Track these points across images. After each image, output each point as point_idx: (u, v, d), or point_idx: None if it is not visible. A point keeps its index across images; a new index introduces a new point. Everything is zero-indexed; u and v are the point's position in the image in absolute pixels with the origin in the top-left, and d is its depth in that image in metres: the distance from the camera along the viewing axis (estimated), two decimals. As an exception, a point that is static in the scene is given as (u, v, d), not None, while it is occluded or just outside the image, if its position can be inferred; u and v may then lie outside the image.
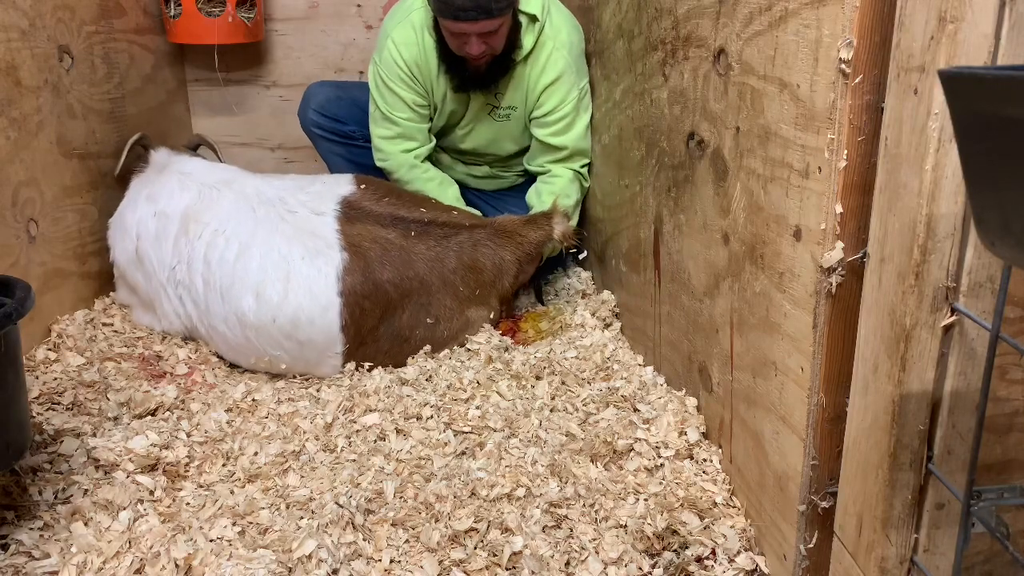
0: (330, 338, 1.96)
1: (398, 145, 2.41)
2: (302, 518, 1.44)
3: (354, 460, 1.62)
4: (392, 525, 1.42)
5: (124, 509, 1.47)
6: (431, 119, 2.44)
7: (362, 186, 2.17)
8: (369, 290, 1.97)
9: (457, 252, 2.07)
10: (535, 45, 2.27)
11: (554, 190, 2.35)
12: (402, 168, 2.42)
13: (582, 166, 2.38)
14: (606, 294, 2.25)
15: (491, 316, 2.14)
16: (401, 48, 2.30)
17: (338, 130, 2.57)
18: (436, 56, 2.28)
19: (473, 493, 1.49)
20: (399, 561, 1.35)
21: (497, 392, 1.82)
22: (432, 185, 2.42)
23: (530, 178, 2.57)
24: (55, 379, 1.88)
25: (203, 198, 2.14)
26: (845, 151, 1.05)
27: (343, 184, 2.18)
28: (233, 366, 2.10)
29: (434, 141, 2.48)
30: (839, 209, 1.07)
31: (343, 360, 2.00)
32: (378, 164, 2.45)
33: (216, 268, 2.02)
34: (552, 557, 1.34)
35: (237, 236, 2.03)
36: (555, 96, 2.29)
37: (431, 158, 2.51)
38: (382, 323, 2.00)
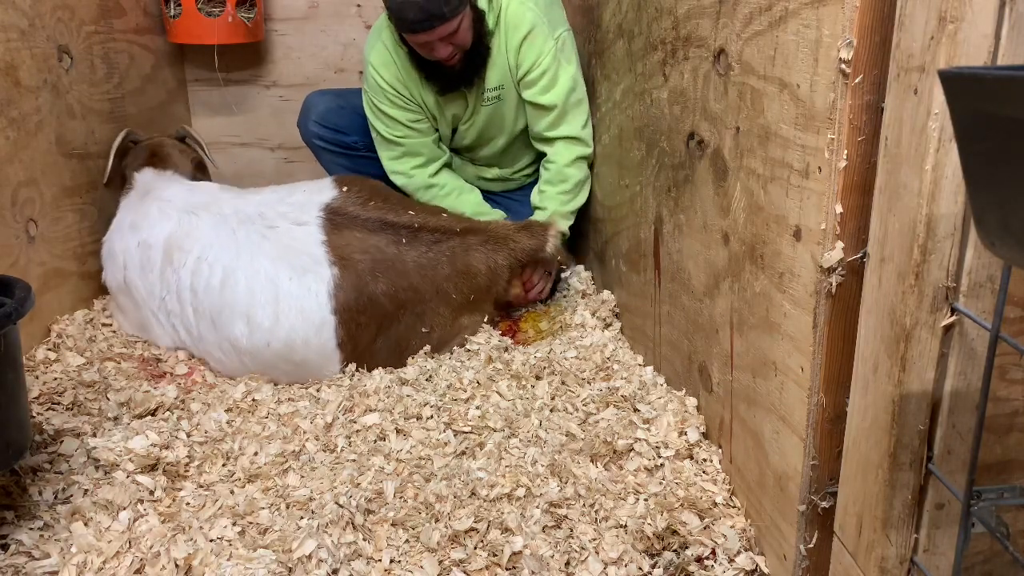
0: (326, 356, 1.94)
1: (408, 163, 2.41)
2: (302, 518, 1.44)
3: (354, 460, 1.62)
4: (392, 525, 1.42)
5: (124, 509, 1.47)
6: (436, 130, 2.44)
7: (344, 188, 2.12)
8: (364, 304, 1.93)
9: (450, 258, 2.02)
10: (499, 16, 2.25)
11: (549, 177, 2.34)
12: (420, 190, 2.43)
13: (583, 126, 2.31)
14: (606, 294, 2.25)
15: (486, 320, 2.12)
16: (381, 70, 2.31)
17: (340, 141, 2.56)
18: (415, 67, 2.28)
19: (473, 493, 1.48)
20: (399, 561, 1.35)
21: (497, 392, 1.82)
22: (451, 199, 2.42)
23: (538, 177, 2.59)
24: (55, 379, 1.88)
25: (183, 225, 2.10)
26: (845, 151, 1.05)
27: (324, 191, 2.12)
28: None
29: (447, 152, 2.48)
30: (839, 209, 1.07)
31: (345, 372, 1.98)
32: (398, 184, 2.45)
33: (203, 296, 1.99)
34: (552, 557, 1.34)
35: (220, 261, 2.00)
36: (531, 50, 2.25)
37: (450, 165, 2.51)
38: (379, 336, 1.98)
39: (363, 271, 1.95)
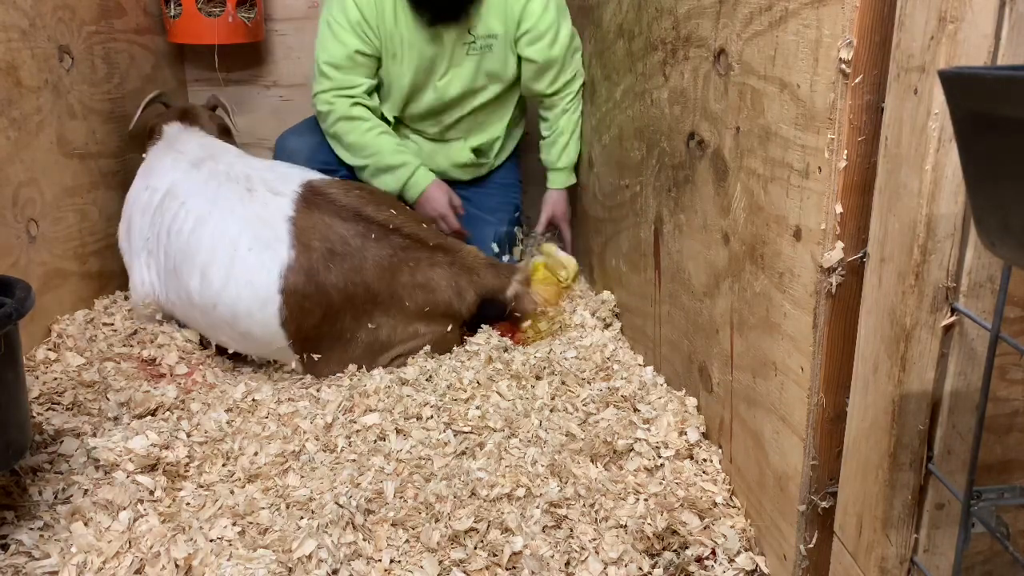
0: (270, 332, 1.96)
1: (332, 93, 2.35)
2: (302, 518, 1.44)
3: (354, 460, 1.62)
4: (392, 525, 1.42)
5: (124, 509, 1.47)
6: (378, 87, 2.41)
7: (335, 178, 2.14)
8: (311, 291, 1.94)
9: (412, 268, 2.01)
10: None
11: (561, 129, 2.45)
12: (340, 120, 2.35)
13: (580, 63, 2.40)
14: (606, 294, 2.25)
15: (448, 331, 2.09)
16: None
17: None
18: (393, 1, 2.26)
19: (473, 493, 1.48)
20: (399, 561, 1.35)
21: (497, 392, 1.82)
22: (370, 135, 2.36)
23: (511, 166, 2.65)
24: (55, 379, 1.88)
25: (185, 175, 2.18)
26: (845, 151, 1.05)
27: (316, 174, 2.16)
28: (234, 364, 2.10)
29: (376, 101, 2.43)
30: (839, 209, 1.07)
31: (295, 352, 1.99)
32: (320, 111, 2.39)
33: (174, 239, 2.05)
34: (552, 557, 1.34)
35: (195, 211, 2.06)
36: (536, 4, 2.29)
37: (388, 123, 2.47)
38: (323, 324, 1.98)
39: (317, 259, 1.95)
